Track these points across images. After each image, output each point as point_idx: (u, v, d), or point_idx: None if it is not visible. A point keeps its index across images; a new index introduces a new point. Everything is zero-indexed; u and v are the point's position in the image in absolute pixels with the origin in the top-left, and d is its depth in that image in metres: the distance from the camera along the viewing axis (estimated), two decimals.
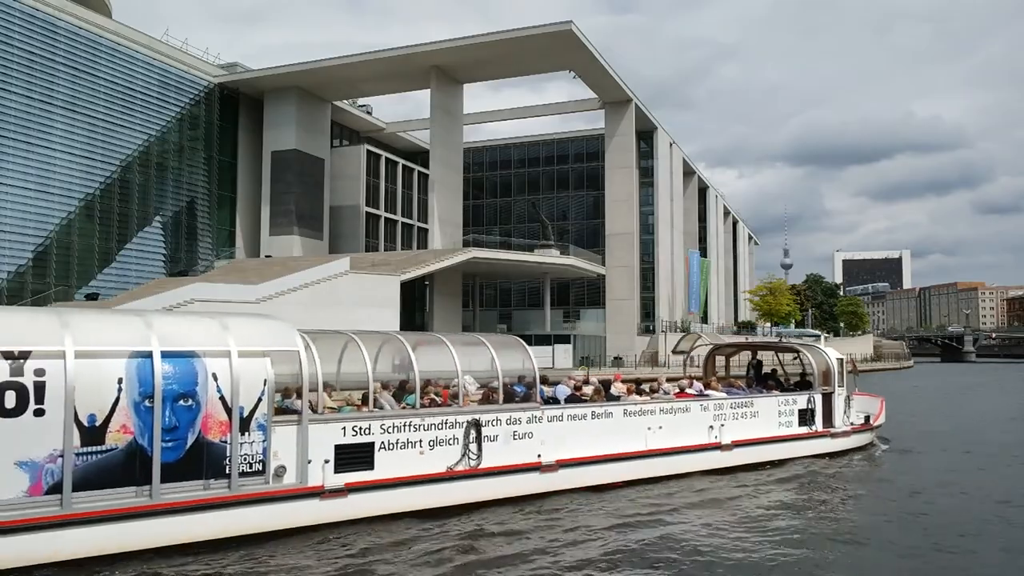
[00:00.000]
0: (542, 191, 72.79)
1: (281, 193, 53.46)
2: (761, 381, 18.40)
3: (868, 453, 17.90)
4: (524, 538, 9.98)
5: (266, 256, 51.36)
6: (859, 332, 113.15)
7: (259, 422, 9.51)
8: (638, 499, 12.38)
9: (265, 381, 9.57)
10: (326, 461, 10.03)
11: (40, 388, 8.24)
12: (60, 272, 41.39)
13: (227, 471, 9.23)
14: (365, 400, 11.09)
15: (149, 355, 8.90)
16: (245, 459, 9.39)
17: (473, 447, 11.32)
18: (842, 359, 17.63)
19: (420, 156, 66.92)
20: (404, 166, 64.47)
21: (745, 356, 21.32)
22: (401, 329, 40.66)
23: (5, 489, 7.99)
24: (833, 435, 16.96)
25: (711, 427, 14.63)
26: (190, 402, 9.09)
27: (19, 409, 8.15)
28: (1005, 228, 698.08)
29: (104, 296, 41.05)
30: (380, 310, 39.56)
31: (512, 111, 67.65)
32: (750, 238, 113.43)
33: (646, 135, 61.50)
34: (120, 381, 8.70)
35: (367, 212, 59.50)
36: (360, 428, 10.40)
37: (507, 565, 8.84)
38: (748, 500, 12.77)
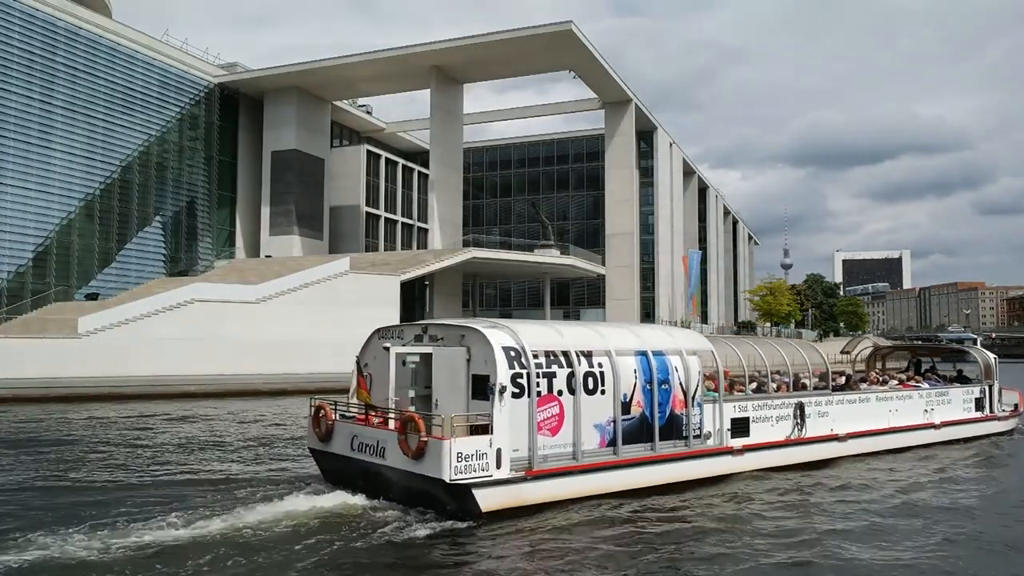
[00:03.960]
0: (542, 191, 72.79)
1: (281, 193, 53.46)
2: (921, 375, 21.65)
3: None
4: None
5: (266, 256, 51.36)
6: (859, 332, 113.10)
7: (697, 401, 13.35)
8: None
9: (699, 372, 13.51)
10: (728, 429, 13.84)
11: (601, 376, 12.07)
12: (60, 272, 41.39)
13: (684, 434, 13.11)
14: (732, 387, 14.82)
15: (645, 354, 12.82)
16: (692, 427, 13.22)
17: (799, 422, 15.29)
18: (996, 358, 21.64)
19: (420, 156, 66.92)
20: (404, 166, 64.47)
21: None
22: None
23: (589, 442, 11.78)
24: (999, 419, 20.92)
25: (925, 411, 18.60)
26: (667, 386, 12.91)
27: (594, 389, 11.95)
28: (1006, 229, 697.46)
29: (104, 296, 41.05)
30: (380, 310, 39.51)
31: (512, 111, 67.64)
32: (750, 238, 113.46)
33: (646, 135, 61.50)
34: (635, 372, 12.53)
35: (367, 212, 59.50)
36: (743, 407, 14.33)
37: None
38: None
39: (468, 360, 11.38)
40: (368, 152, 60.18)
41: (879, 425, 17.13)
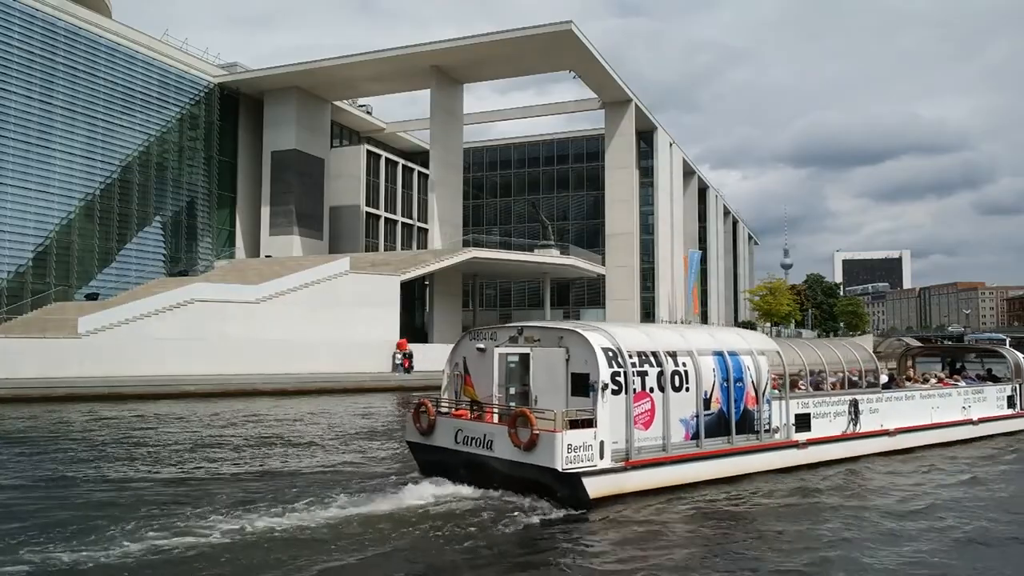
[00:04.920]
0: (542, 191, 72.77)
1: (281, 193, 53.45)
2: (958, 373, 22.82)
3: None
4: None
5: (266, 256, 51.36)
6: (859, 332, 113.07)
7: (766, 397, 14.24)
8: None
9: (767, 371, 14.37)
10: (791, 424, 14.77)
11: (686, 375, 12.94)
12: (60, 272, 41.38)
13: (755, 428, 14.05)
14: (793, 385, 15.77)
15: (722, 354, 13.71)
16: (763, 422, 14.17)
17: (854, 418, 16.32)
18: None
19: (420, 156, 66.92)
20: (404, 166, 64.47)
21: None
22: (401, 329, 40.72)
23: (676, 435, 12.68)
24: None
25: (963, 407, 19.64)
26: (741, 384, 13.80)
27: (680, 387, 12.83)
28: (1006, 229, 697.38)
29: (104, 296, 41.05)
30: (380, 310, 39.59)
31: (513, 111, 67.64)
32: (750, 238, 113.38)
33: (646, 135, 61.46)
34: (713, 371, 13.41)
35: (367, 212, 59.50)
36: (805, 403, 15.31)
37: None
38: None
39: (567, 360, 12.35)
40: (368, 152, 60.18)
41: (923, 421, 18.21)
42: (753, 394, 14.03)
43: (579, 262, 54.61)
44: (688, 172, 74.63)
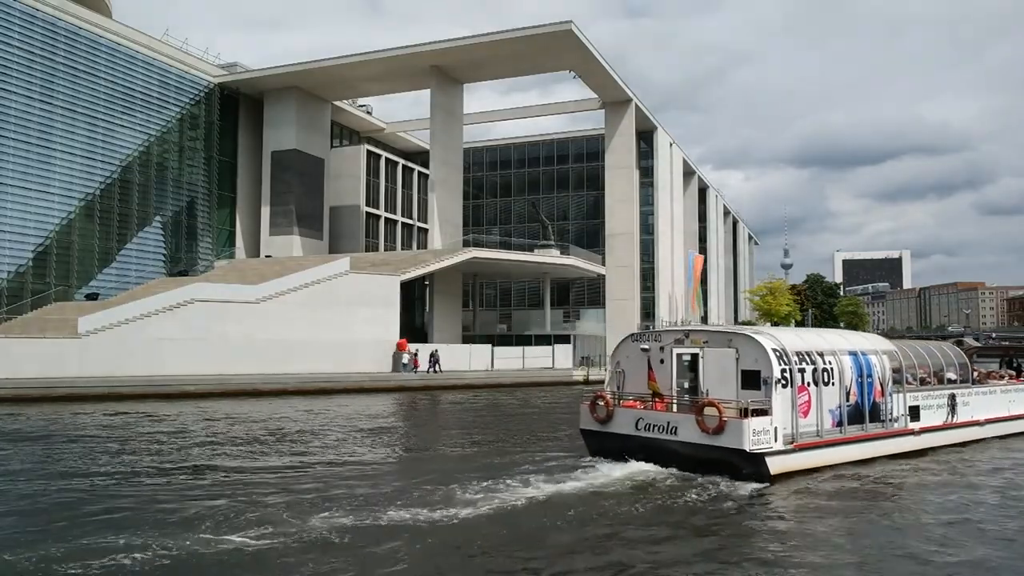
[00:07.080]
0: (542, 191, 72.72)
1: (281, 193, 53.44)
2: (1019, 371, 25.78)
3: None
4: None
5: (266, 256, 51.35)
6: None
7: (888, 391, 16.45)
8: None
9: (887, 367, 16.59)
10: (907, 415, 16.92)
11: (831, 371, 15.11)
12: (60, 272, 41.36)
13: (882, 418, 16.32)
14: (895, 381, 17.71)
15: (855, 353, 16.01)
16: (887, 412, 16.37)
17: (952, 410, 18.49)
18: None
19: (420, 156, 66.89)
20: (404, 166, 64.44)
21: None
22: (401, 329, 40.75)
23: (826, 423, 14.84)
24: None
25: None
26: (871, 379, 16.05)
27: (828, 381, 14.99)
28: (1007, 229, 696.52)
29: (104, 296, 41.04)
30: (380, 310, 39.59)
31: (513, 111, 67.58)
32: (750, 238, 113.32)
33: (646, 135, 61.40)
34: (851, 368, 15.60)
35: (367, 212, 59.48)
36: (916, 397, 17.36)
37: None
38: None
39: (737, 359, 14.32)
40: (368, 152, 60.16)
41: (1002, 413, 20.57)
42: (880, 388, 16.20)
43: (579, 262, 54.58)
44: (688, 172, 74.57)
